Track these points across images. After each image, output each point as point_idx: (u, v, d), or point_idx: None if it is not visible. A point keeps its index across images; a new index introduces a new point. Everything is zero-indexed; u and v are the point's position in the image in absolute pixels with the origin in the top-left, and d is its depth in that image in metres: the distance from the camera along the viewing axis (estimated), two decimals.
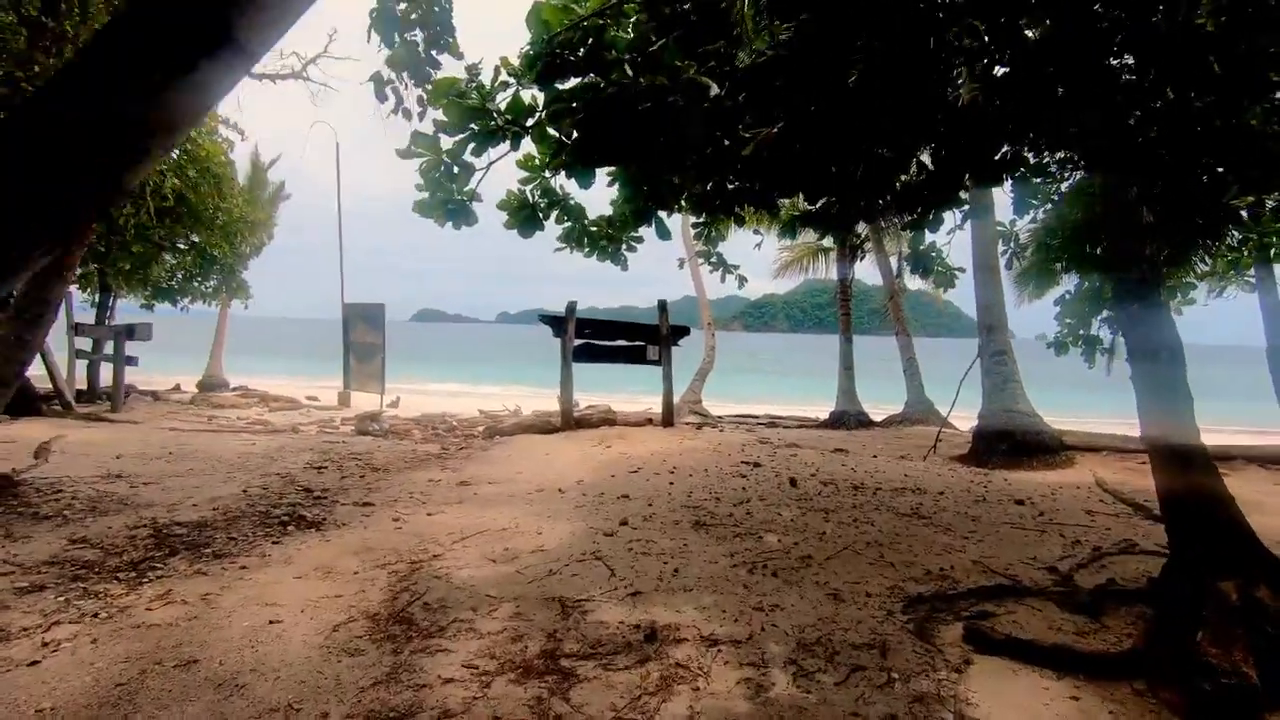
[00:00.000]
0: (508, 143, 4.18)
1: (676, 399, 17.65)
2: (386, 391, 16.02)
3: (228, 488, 6.85)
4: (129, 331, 12.65)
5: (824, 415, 19.22)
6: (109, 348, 14.01)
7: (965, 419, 14.59)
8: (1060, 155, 6.12)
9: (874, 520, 5.67)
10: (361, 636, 3.58)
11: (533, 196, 4.96)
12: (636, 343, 11.43)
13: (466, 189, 4.38)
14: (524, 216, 4.87)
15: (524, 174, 4.83)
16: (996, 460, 8.43)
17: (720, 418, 16.35)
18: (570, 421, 10.93)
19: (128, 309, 20.69)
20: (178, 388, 19.24)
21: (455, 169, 4.15)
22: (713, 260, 7.86)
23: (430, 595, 4.12)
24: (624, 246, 6.80)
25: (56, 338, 14.94)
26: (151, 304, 16.14)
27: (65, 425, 9.28)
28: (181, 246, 15.05)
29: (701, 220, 7.91)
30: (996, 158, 5.03)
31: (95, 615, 3.82)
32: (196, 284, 16.15)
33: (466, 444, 10.57)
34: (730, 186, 6.31)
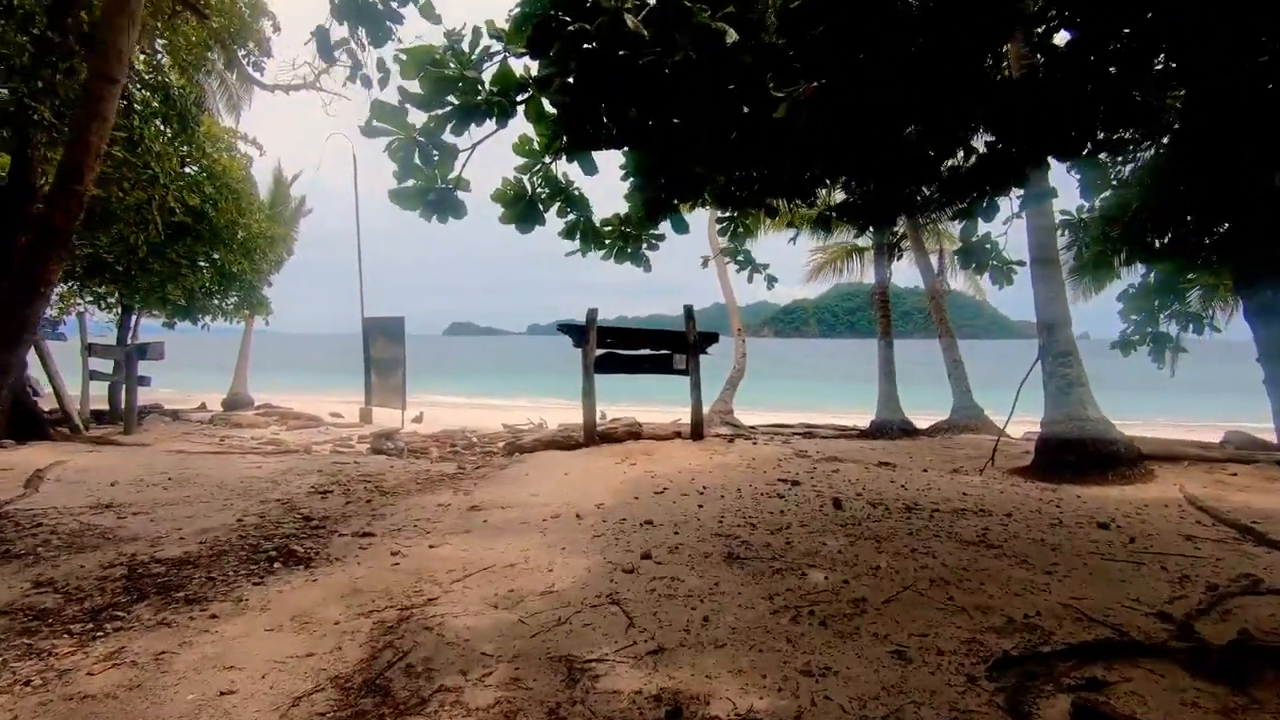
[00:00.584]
0: (493, 120, 3.58)
1: (706, 409, 16.93)
2: (411, 406, 15.61)
3: (221, 517, 6.35)
4: (140, 351, 12.41)
5: (863, 424, 18.34)
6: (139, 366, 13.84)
7: (1017, 424, 13.62)
8: (1134, 131, 5.36)
9: (935, 550, 4.91)
10: (324, 715, 2.97)
11: (531, 186, 4.35)
12: (662, 351, 10.78)
13: (450, 175, 3.79)
14: (521, 209, 4.27)
15: (520, 160, 4.23)
16: (1064, 474, 7.56)
17: (753, 428, 15.58)
18: (593, 436, 10.30)
19: (151, 328, 20.79)
20: (203, 406, 19.13)
21: (435, 152, 3.56)
22: (740, 259, 7.17)
23: (416, 653, 3.50)
24: (644, 245, 6.18)
25: (70, 359, 14.94)
26: (172, 323, 15.99)
27: (70, 450, 8.95)
28: (201, 264, 14.84)
29: (727, 215, 7.27)
30: (1069, 133, 4.32)
31: (28, 683, 3.28)
32: (216, 301, 15.95)
33: (484, 462, 10.01)
34: (757, 175, 5.65)
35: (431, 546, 5.42)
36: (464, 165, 3.86)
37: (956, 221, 6.50)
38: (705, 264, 8.80)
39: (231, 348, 21.80)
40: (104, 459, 8.56)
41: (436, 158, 3.69)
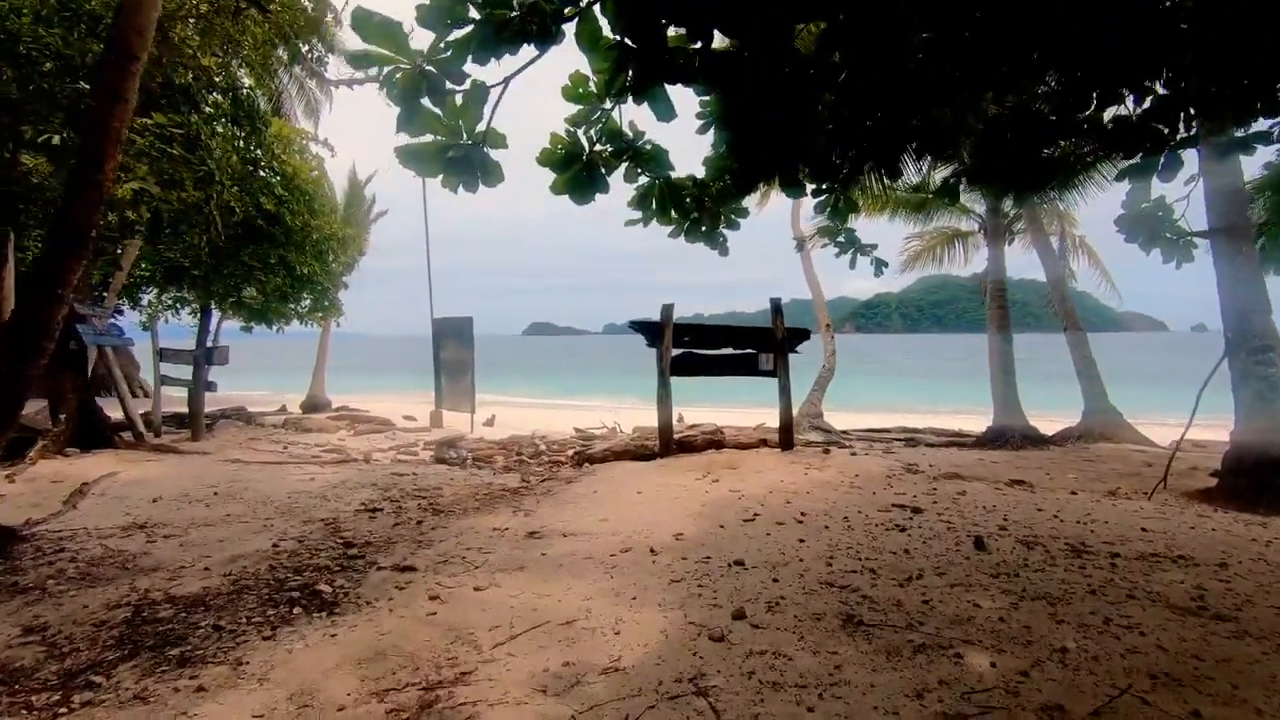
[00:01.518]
0: (531, 45, 2.59)
1: (795, 412, 15.62)
2: (484, 407, 15.10)
3: (257, 541, 5.69)
4: (207, 356, 12.26)
5: (970, 428, 16.53)
6: (209, 371, 13.84)
7: (1148, 425, 11.69)
8: None
9: (1139, 622, 3.60)
10: None
11: (588, 142, 3.34)
12: (746, 351, 9.62)
13: (477, 125, 2.82)
14: (575, 174, 3.27)
15: (572, 107, 3.23)
16: (1271, 501, 5.96)
17: (845, 433, 14.17)
18: (669, 445, 9.27)
19: (231, 333, 21.27)
20: (283, 409, 19.29)
21: (452, 88, 2.60)
22: (840, 240, 5.96)
23: None
24: (722, 223, 5.11)
25: (149, 362, 15.13)
26: (250, 326, 16.02)
27: (129, 459, 8.67)
28: (274, 266, 14.73)
29: (826, 186, 6.11)
30: None
31: None
32: (291, 305, 15.87)
33: (550, 474, 9.15)
34: (876, 124, 4.48)
35: (477, 589, 4.52)
36: (494, 110, 2.89)
37: (1116, 182, 5.10)
38: (800, 247, 7.60)
39: (336, 348, 22.09)
40: (157, 470, 8.20)
41: (459, 100, 2.74)
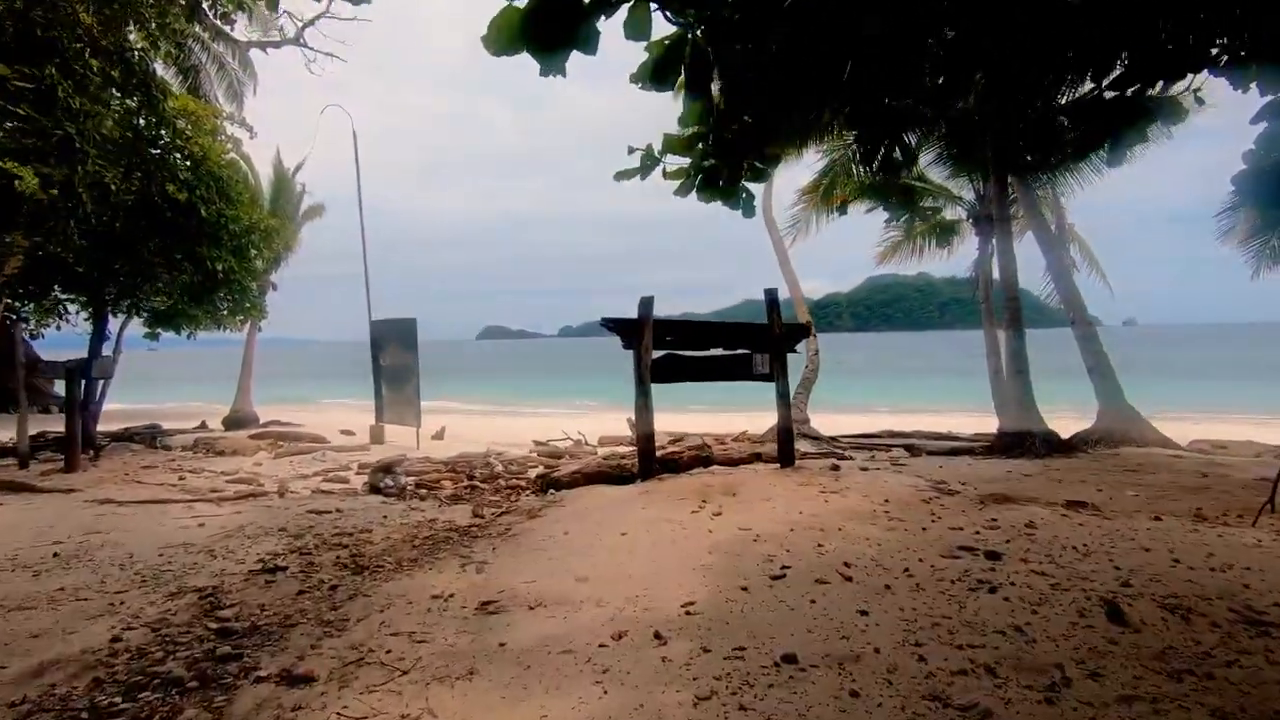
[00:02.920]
0: None
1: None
2: (433, 416, 13.36)
3: (90, 632, 3.99)
4: (83, 369, 10.25)
5: (957, 428, 15.48)
6: (101, 387, 11.78)
7: (1159, 419, 10.72)
8: None
9: None
10: None
11: None
12: (738, 351, 8.20)
13: None
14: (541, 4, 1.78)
15: None
16: None
17: (835, 440, 12.91)
18: (651, 465, 7.78)
19: (135, 341, 18.90)
20: (203, 425, 17.12)
21: None
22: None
23: None
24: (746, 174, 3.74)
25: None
26: (155, 333, 13.93)
27: None
28: (180, 260, 12.71)
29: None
30: None
31: None
32: (205, 308, 13.80)
33: (509, 504, 7.56)
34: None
35: (404, 715, 2.96)
36: None
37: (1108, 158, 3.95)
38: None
39: (267, 358, 19.76)
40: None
41: None
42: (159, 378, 48.55)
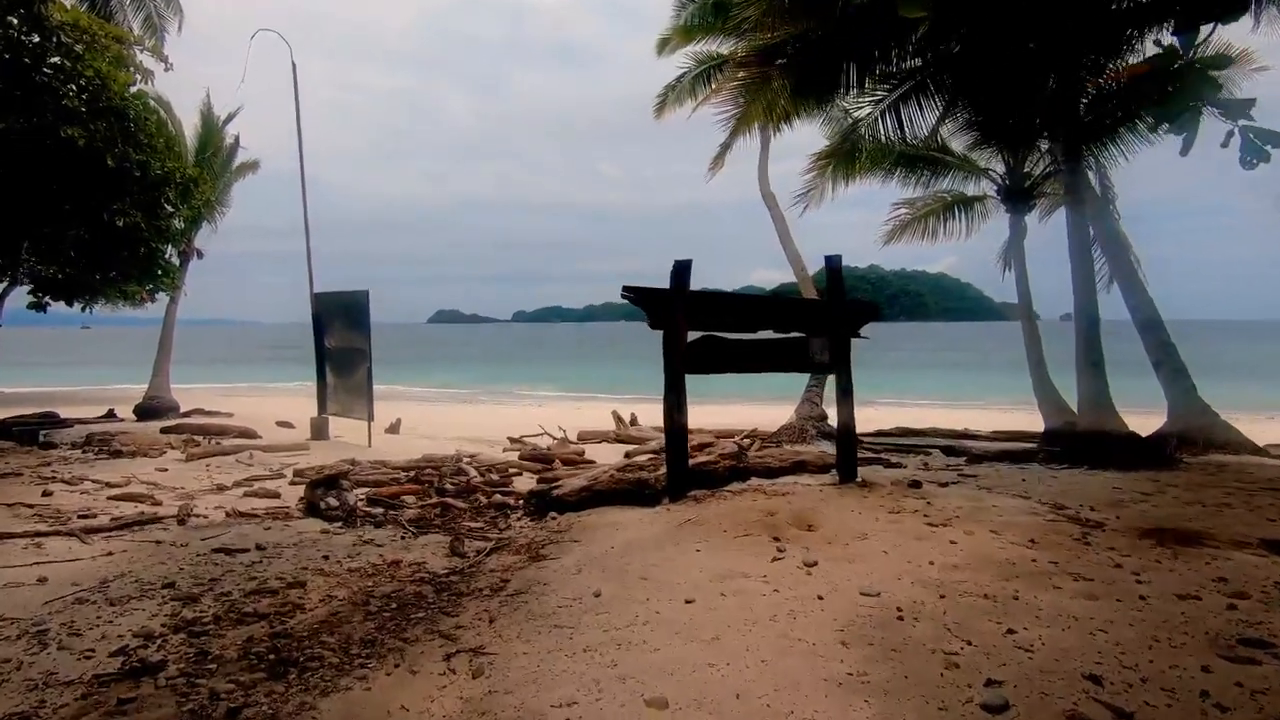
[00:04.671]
0: None
1: (790, 414, 12.65)
2: (385, 404, 11.27)
3: None
4: None
5: (971, 423, 14.11)
6: None
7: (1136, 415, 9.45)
8: None
9: None
10: None
11: None
12: (792, 335, 6.43)
13: None
14: None
15: None
16: None
17: (860, 441, 11.31)
18: (684, 482, 5.96)
19: (66, 319, 16.13)
20: (110, 414, 14.56)
21: None
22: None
23: None
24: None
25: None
26: (42, 303, 11.42)
27: None
28: (69, 214, 10.28)
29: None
30: None
31: None
32: (108, 274, 11.34)
33: (496, 531, 5.66)
34: None
35: None
36: None
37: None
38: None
39: (203, 340, 16.91)
40: None
41: None
42: (95, 361, 44.47)
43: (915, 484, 6.24)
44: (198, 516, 5.92)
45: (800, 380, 13.28)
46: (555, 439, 11.88)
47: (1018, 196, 12.59)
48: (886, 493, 5.91)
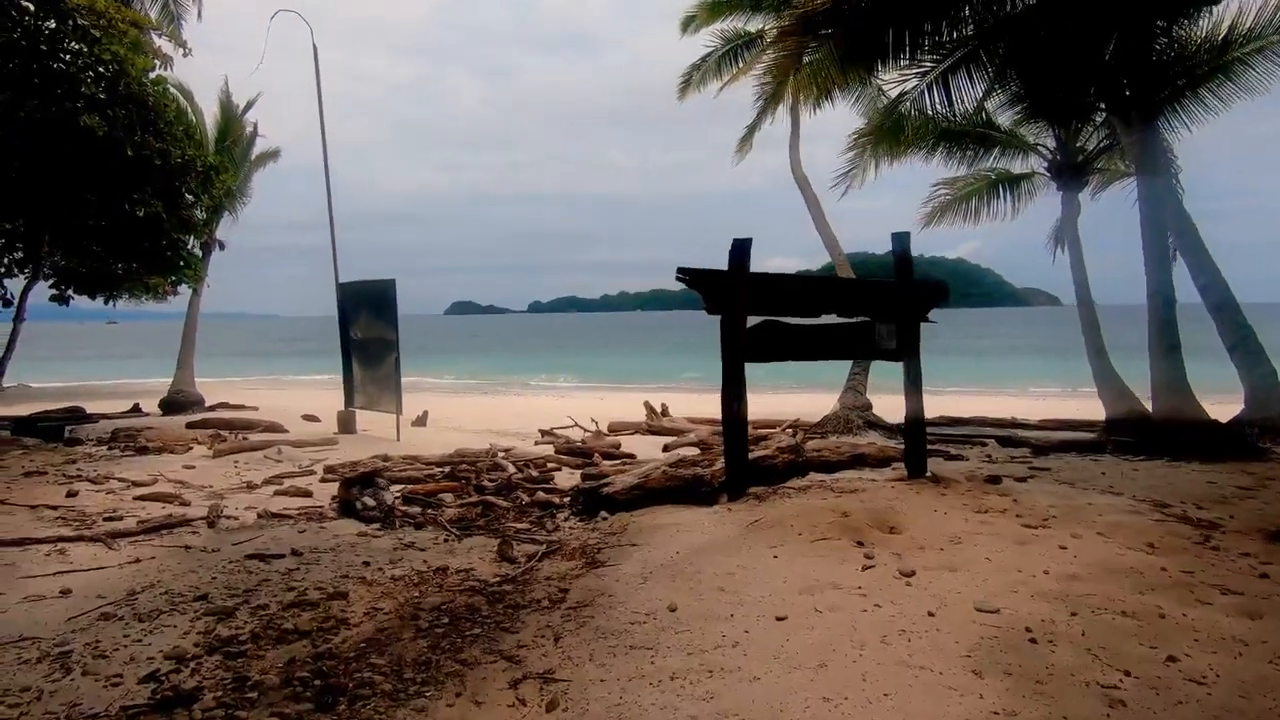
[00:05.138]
0: None
1: (834, 403, 12.16)
2: (413, 397, 10.96)
3: None
4: None
5: (1017, 412, 13.51)
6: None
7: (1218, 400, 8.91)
8: None
9: None
10: None
11: None
12: (857, 320, 5.95)
13: None
14: None
15: None
16: None
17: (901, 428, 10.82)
18: (745, 479, 5.54)
19: (92, 314, 15.99)
20: (135, 409, 14.40)
21: None
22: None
23: None
24: None
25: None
26: (64, 296, 11.19)
27: None
28: (91, 203, 10.02)
29: None
30: None
31: None
32: (131, 265, 11.08)
33: (544, 532, 5.27)
34: None
35: None
36: None
37: None
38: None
39: (223, 333, 16.73)
40: None
41: None
42: (121, 355, 44.90)
43: (994, 479, 5.76)
44: (228, 518, 5.59)
45: (838, 368, 12.77)
46: (588, 431, 11.49)
47: (1071, 173, 11.95)
48: (965, 490, 5.45)
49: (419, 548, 4.96)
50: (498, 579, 4.31)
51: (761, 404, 15.65)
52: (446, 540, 5.16)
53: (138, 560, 4.46)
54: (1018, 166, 13.52)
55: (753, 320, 5.54)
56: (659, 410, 13.44)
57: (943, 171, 14.18)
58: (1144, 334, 8.54)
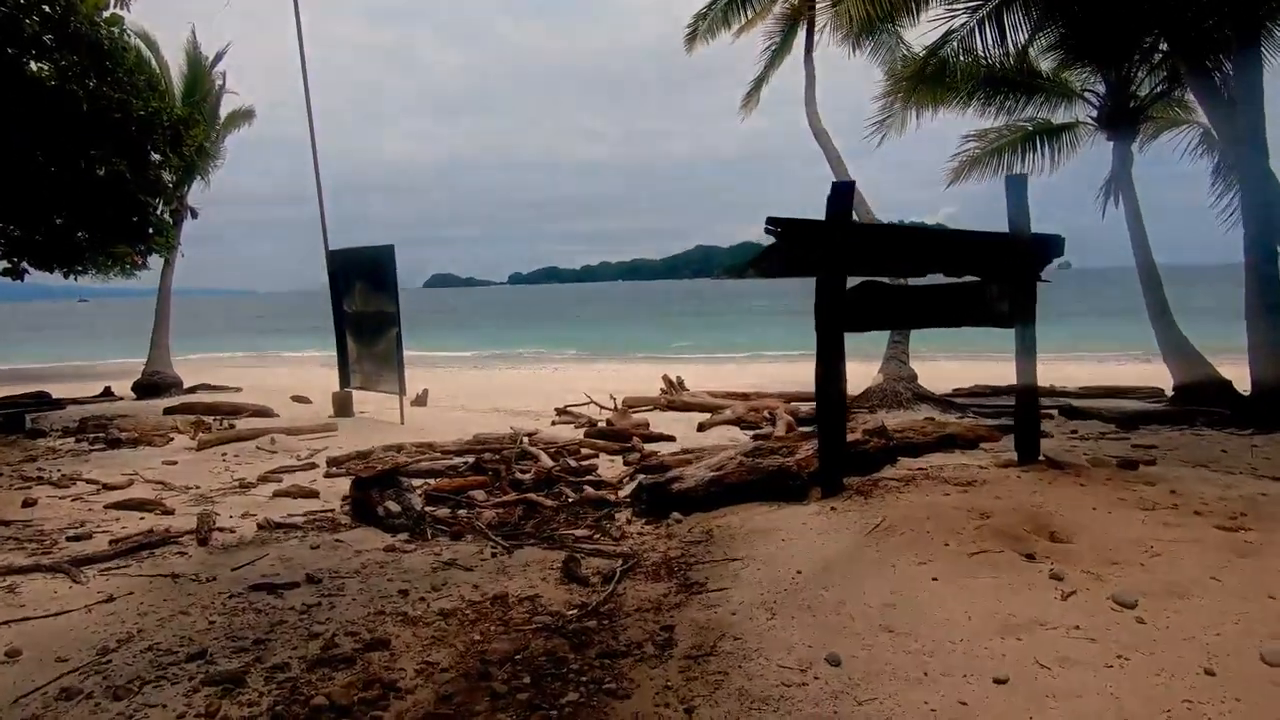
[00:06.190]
0: None
1: (876, 374, 11.28)
2: (409, 377, 9.93)
3: None
4: None
5: (1052, 378, 12.76)
6: None
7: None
8: None
9: None
10: None
11: None
12: (966, 279, 5.04)
13: None
14: None
15: None
16: None
17: (950, 400, 10.08)
18: (840, 470, 4.66)
19: (62, 292, 14.61)
20: (106, 392, 13.23)
21: None
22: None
23: None
24: None
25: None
26: (18, 270, 9.96)
27: None
28: (41, 162, 8.81)
29: None
30: None
31: None
32: (87, 236, 9.85)
33: (606, 539, 4.36)
34: None
35: None
36: None
37: None
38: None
39: (197, 310, 15.34)
40: None
41: None
42: (93, 334, 42.94)
43: (1128, 464, 4.94)
44: (222, 531, 4.61)
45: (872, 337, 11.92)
46: (606, 409, 10.56)
47: (1123, 120, 11.05)
48: (1105, 478, 4.61)
49: (462, 565, 4.04)
50: (574, 610, 3.41)
51: (777, 373, 14.87)
52: (494, 554, 4.24)
53: (110, 599, 3.49)
54: (1059, 116, 12.60)
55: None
56: (676, 383, 12.54)
57: (975, 124, 13.25)
58: (1185, 295, 7.76)
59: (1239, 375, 9.04)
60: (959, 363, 17.54)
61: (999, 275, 5.02)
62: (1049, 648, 2.60)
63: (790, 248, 4.37)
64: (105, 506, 5.14)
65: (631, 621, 3.26)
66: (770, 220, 4.29)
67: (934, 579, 3.23)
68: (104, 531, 4.59)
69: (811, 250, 4.35)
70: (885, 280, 4.69)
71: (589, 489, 5.57)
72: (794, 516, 4.31)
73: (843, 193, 4.34)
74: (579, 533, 4.61)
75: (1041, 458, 5.22)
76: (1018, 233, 4.92)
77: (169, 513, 5.07)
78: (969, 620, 2.84)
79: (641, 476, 5.33)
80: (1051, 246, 5.18)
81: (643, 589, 3.64)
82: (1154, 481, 4.56)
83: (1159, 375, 11.91)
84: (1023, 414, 5.22)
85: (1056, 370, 15.72)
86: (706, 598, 3.41)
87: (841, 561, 3.55)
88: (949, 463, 5.43)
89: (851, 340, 4.56)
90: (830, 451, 4.61)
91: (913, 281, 6.09)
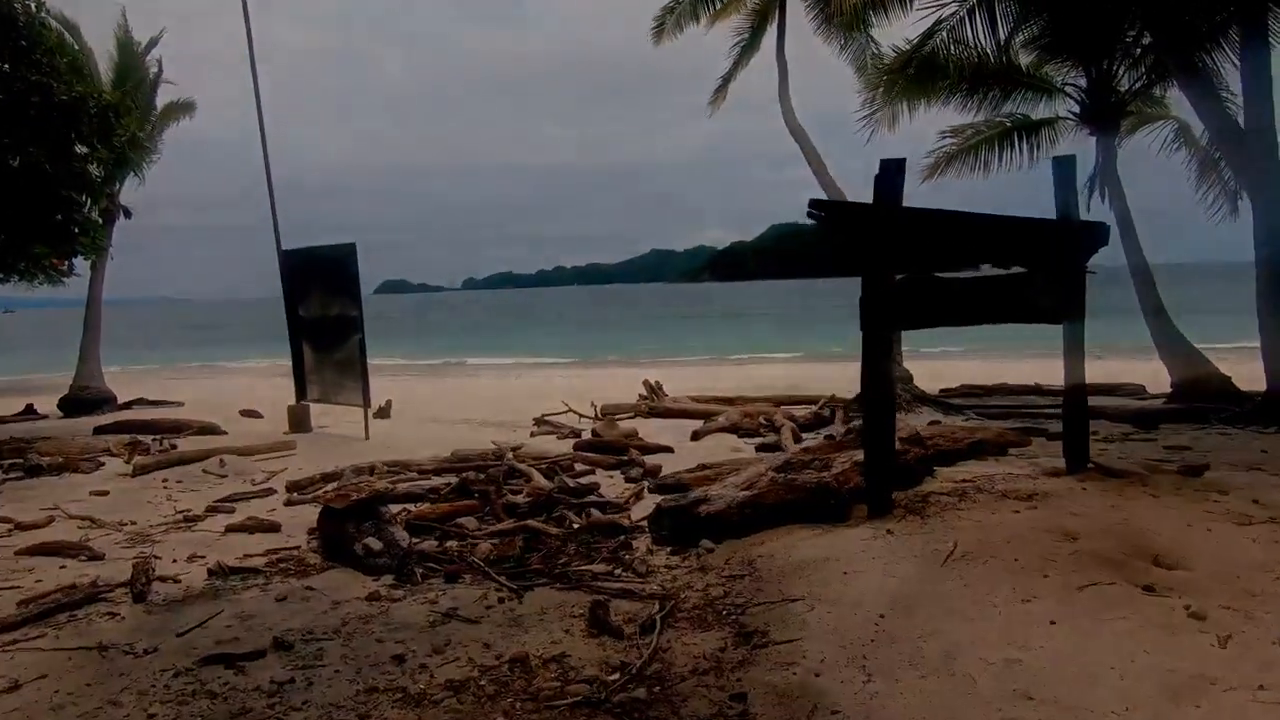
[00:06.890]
0: None
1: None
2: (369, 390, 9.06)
3: None
4: None
5: (1029, 377, 12.61)
6: None
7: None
8: None
9: None
10: None
11: None
12: (1015, 270, 4.58)
13: None
14: None
15: None
16: None
17: (948, 402, 9.75)
18: (889, 488, 4.13)
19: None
20: (29, 410, 11.98)
21: None
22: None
23: None
24: None
25: None
26: None
27: None
28: None
29: None
30: None
31: None
32: (12, 238, 8.73)
33: (636, 574, 3.73)
34: None
35: None
36: None
37: None
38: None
39: (130, 319, 13.93)
40: None
41: None
42: (15, 347, 39.93)
43: (1193, 471, 4.53)
44: (163, 581, 3.81)
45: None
46: (586, 417, 9.89)
47: (1105, 115, 10.94)
48: (1175, 488, 4.19)
49: (466, 617, 3.36)
50: (615, 676, 2.77)
51: (758, 375, 14.41)
52: (501, 599, 3.56)
53: (16, 685, 2.70)
54: (1039, 112, 12.48)
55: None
56: (655, 388, 11.95)
57: (952, 121, 13.08)
58: (1171, 294, 7.62)
59: (1236, 371, 8.94)
60: (938, 363, 17.40)
61: (1047, 265, 4.58)
62: (1237, 717, 2.09)
63: (835, 234, 3.82)
64: (16, 553, 4.26)
65: (689, 688, 2.64)
66: (813, 203, 3.73)
67: (1051, 621, 2.71)
68: (12, 587, 3.74)
69: (855, 239, 3.80)
70: (938, 274, 4.18)
71: (595, 512, 4.92)
72: (845, 542, 3.76)
73: (891, 171, 3.81)
74: (596, 568, 3.96)
75: (1090, 465, 4.80)
76: (1068, 217, 4.49)
77: (97, 558, 4.22)
78: (1122, 680, 2.32)
79: (660, 499, 4.69)
80: (1098, 235, 4.77)
81: (690, 641, 3.03)
82: (1226, 489, 4.17)
83: (1132, 371, 11.90)
84: (1072, 417, 4.79)
85: (1037, 368, 15.69)
86: (775, 652, 2.81)
87: (926, 600, 3.01)
88: (992, 472, 4.95)
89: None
90: (878, 464, 4.08)
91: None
